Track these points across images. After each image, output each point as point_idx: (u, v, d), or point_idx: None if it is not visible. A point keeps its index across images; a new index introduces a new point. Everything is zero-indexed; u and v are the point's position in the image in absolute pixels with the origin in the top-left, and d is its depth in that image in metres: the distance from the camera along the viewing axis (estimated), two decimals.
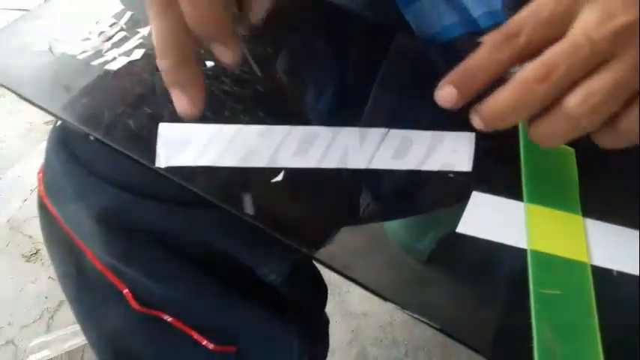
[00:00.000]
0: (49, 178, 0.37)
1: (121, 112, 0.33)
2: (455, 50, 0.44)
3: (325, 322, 0.48)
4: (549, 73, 0.25)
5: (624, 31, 0.25)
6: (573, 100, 0.25)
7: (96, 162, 0.34)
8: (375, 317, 0.79)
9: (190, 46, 0.29)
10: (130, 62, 0.37)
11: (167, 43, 0.28)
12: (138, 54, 0.37)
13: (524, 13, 0.27)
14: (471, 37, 0.43)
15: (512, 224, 0.32)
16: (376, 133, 0.34)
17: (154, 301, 0.37)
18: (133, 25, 0.39)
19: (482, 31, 0.43)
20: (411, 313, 0.28)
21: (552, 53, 0.26)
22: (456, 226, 0.31)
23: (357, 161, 0.33)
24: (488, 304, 0.29)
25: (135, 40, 0.38)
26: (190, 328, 0.37)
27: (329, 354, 0.75)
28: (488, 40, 0.27)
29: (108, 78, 0.35)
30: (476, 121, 0.28)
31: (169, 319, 0.37)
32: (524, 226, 0.32)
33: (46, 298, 0.81)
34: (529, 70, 0.26)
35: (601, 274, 0.30)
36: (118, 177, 0.33)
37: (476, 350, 0.28)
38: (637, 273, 0.30)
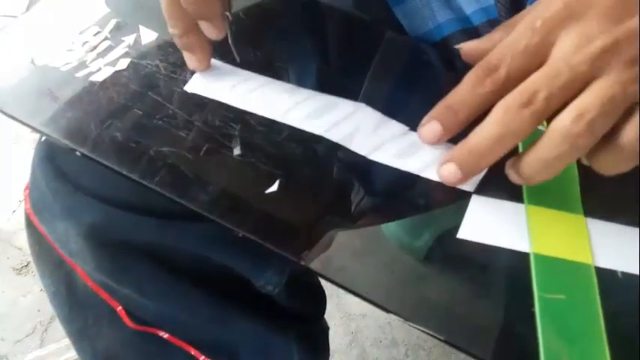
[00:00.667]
0: (35, 195, 0.35)
1: (108, 125, 0.32)
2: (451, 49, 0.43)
3: (325, 329, 0.47)
4: (531, 97, 0.25)
5: (603, 54, 0.25)
6: (568, 119, 0.25)
7: (83, 177, 0.33)
8: (373, 318, 0.78)
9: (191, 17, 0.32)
10: (116, 72, 0.35)
11: (171, 14, 0.32)
12: (123, 63, 0.36)
13: (501, 47, 0.27)
14: (464, 34, 0.42)
15: (513, 227, 0.31)
16: (395, 127, 0.33)
17: (149, 317, 0.36)
18: (117, 34, 0.38)
19: (476, 28, 0.42)
20: (415, 325, 0.27)
21: (532, 80, 0.26)
22: (453, 223, 0.31)
23: (360, 146, 0.32)
24: (490, 311, 0.29)
25: (120, 49, 0.37)
26: (187, 343, 0.37)
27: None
28: (469, 75, 0.27)
29: (93, 90, 0.34)
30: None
31: (165, 335, 0.36)
32: (526, 229, 0.31)
33: (38, 311, 0.80)
34: (510, 97, 0.26)
35: (605, 276, 0.29)
36: (106, 192, 0.32)
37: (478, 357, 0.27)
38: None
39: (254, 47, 0.38)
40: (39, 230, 0.36)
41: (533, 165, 0.27)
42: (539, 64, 0.26)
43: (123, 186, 0.32)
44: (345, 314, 0.79)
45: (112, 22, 0.39)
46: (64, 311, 0.37)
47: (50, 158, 0.34)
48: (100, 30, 0.38)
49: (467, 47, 0.31)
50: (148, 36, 0.38)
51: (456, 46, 0.32)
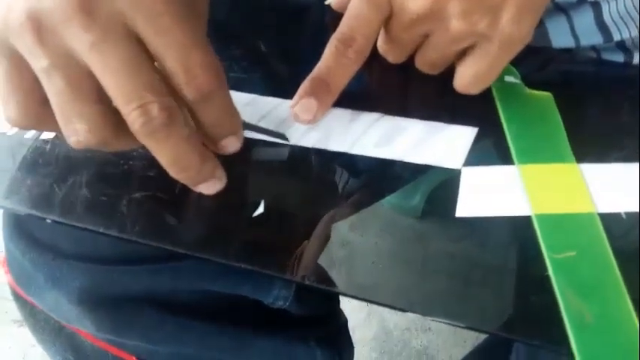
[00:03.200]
0: (15, 268, 0.34)
1: (72, 184, 0.30)
2: None
3: (343, 323, 0.47)
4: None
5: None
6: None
7: (59, 241, 0.31)
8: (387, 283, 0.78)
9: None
10: None
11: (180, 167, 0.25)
12: None
13: (347, 19, 0.28)
14: None
15: (510, 192, 0.30)
16: (368, 117, 0.32)
17: None
18: None
19: None
20: (434, 319, 0.26)
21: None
22: (444, 176, 0.31)
23: (338, 144, 0.31)
24: (504, 287, 0.28)
25: None
26: None
27: (350, 333, 0.75)
28: (330, 49, 0.29)
29: (47, 149, 0.32)
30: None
31: None
32: (523, 190, 0.30)
33: None
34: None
35: (610, 220, 0.29)
36: (87, 252, 0.31)
37: (504, 336, 0.27)
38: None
39: None
40: (29, 302, 0.34)
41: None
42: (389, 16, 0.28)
43: (103, 241, 0.30)
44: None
45: None
46: None
47: (21, 228, 0.32)
48: None
49: (334, 2, 0.33)
50: None
51: (326, 2, 0.34)
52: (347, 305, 0.73)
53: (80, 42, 0.21)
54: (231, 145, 0.28)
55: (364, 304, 0.78)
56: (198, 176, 0.26)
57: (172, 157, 0.24)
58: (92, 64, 0.21)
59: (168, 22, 0.22)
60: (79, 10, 0.20)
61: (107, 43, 0.21)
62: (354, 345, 0.74)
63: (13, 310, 0.83)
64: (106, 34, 0.21)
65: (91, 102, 0.22)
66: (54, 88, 0.22)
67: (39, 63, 0.21)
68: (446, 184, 0.30)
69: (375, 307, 0.77)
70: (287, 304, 0.35)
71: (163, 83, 0.22)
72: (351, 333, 0.75)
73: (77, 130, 0.23)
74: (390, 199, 0.36)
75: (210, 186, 0.27)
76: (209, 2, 0.29)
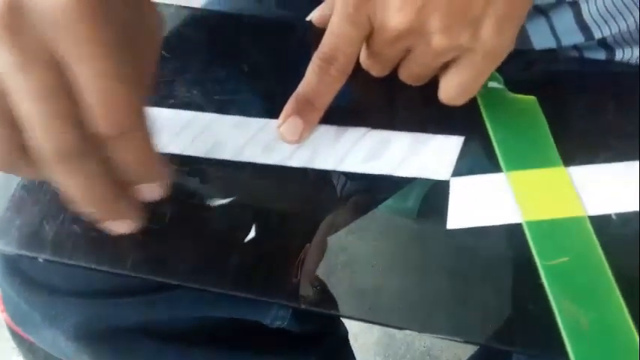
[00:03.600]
0: (10, 307, 0.34)
1: (62, 220, 0.30)
2: None
3: (344, 336, 0.47)
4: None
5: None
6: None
7: (53, 279, 0.31)
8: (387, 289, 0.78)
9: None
10: None
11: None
12: None
13: (327, 38, 0.28)
14: None
15: (500, 201, 0.30)
16: (354, 133, 0.32)
17: None
18: None
19: None
20: (431, 335, 0.27)
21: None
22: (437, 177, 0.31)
23: (326, 162, 0.31)
24: (499, 299, 0.28)
25: None
26: None
27: (353, 339, 0.75)
28: (313, 67, 0.29)
29: (34, 186, 0.32)
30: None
31: None
32: (512, 197, 0.30)
33: None
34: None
35: (601, 223, 0.29)
36: (80, 287, 0.31)
37: (504, 348, 0.27)
38: (635, 208, 0.29)
39: (185, 82, 0.36)
40: (27, 340, 0.34)
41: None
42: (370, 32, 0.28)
43: (97, 275, 0.30)
44: (357, 292, 0.79)
45: None
46: None
47: (14, 267, 0.32)
48: None
49: (315, 18, 0.34)
50: None
51: (307, 19, 0.34)
52: None
53: (1, 62, 0.20)
54: (148, 192, 0.25)
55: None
56: (106, 213, 0.25)
57: (81, 189, 0.22)
58: (9, 87, 0.20)
59: (93, 50, 0.20)
60: (4, 29, 0.19)
61: (27, 66, 0.20)
62: (358, 351, 0.74)
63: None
64: (27, 56, 0.20)
65: (2, 124, 0.21)
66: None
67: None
68: (439, 184, 0.30)
69: (382, 298, 0.77)
70: (285, 323, 0.35)
71: (82, 116, 0.21)
72: (354, 339, 0.75)
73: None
74: (385, 202, 0.36)
75: (121, 225, 0.25)
76: (164, 31, 0.27)
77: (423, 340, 0.74)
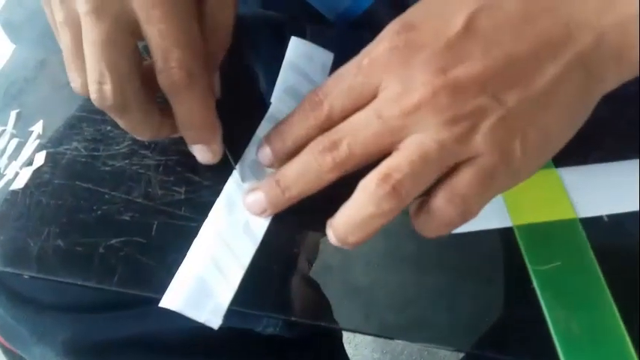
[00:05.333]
0: (0, 324, 0.33)
1: (46, 235, 0.30)
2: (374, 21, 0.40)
3: (338, 337, 0.47)
4: (336, 142, 0.24)
5: (418, 109, 0.23)
6: (374, 179, 0.23)
7: (40, 294, 0.31)
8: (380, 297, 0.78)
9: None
10: (36, 171, 0.32)
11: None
12: (40, 159, 0.33)
13: (329, 80, 0.26)
14: (385, 3, 0.40)
15: (489, 205, 0.30)
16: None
17: None
18: (23, 126, 0.35)
19: None
20: (421, 344, 0.26)
21: (341, 126, 0.25)
22: None
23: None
24: (489, 300, 0.28)
25: (31, 144, 0.34)
26: None
27: (351, 336, 0.75)
28: (301, 104, 0.27)
29: (17, 200, 0.31)
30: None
31: None
32: (502, 201, 0.30)
33: None
34: (317, 139, 0.25)
35: (592, 225, 0.29)
36: (68, 302, 0.30)
37: (497, 357, 0.26)
38: (627, 209, 0.29)
39: None
40: (18, 355, 0.34)
41: (344, 226, 0.24)
42: (365, 103, 0.24)
43: (84, 290, 0.30)
44: (353, 289, 0.79)
45: (13, 115, 0.35)
46: None
47: (1, 283, 0.32)
48: (3, 128, 0.35)
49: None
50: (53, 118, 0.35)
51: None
52: (343, 309, 0.73)
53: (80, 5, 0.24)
54: (200, 154, 0.29)
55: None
56: (198, 136, 0.28)
57: (188, 109, 0.27)
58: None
59: (159, 15, 0.25)
60: None
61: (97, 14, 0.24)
62: (356, 347, 0.74)
63: None
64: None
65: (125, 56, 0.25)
66: (63, 41, 0.26)
67: (56, 16, 0.26)
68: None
69: (374, 308, 0.78)
70: (277, 329, 0.35)
71: None
72: (351, 336, 0.75)
73: (102, 87, 0.25)
74: None
75: (203, 152, 0.29)
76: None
77: None
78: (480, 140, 0.22)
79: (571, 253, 0.28)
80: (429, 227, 0.24)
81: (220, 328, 0.34)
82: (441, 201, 0.23)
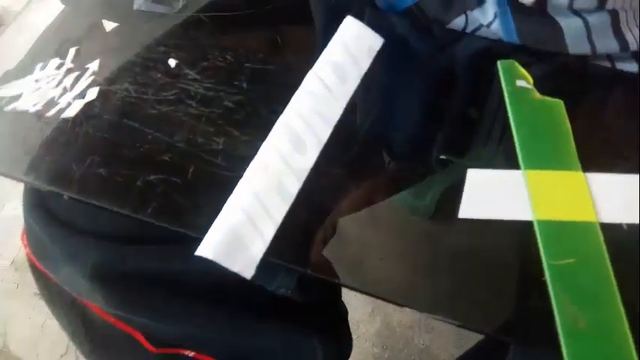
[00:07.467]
0: (33, 242, 0.35)
1: (90, 163, 0.32)
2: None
3: (343, 314, 0.48)
4: None
5: None
6: None
7: (76, 218, 0.33)
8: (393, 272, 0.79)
9: None
10: (87, 104, 0.34)
11: None
12: (92, 93, 0.35)
13: None
14: None
15: (514, 197, 0.30)
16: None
17: (170, 339, 0.36)
18: (80, 62, 0.37)
19: None
20: (430, 315, 0.27)
21: None
22: (456, 178, 0.31)
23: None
24: (503, 289, 0.28)
25: (86, 79, 0.36)
26: (213, 357, 0.37)
27: (354, 327, 0.76)
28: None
29: (67, 127, 0.33)
30: None
31: (191, 353, 0.37)
32: (527, 196, 0.30)
33: None
34: None
35: (611, 231, 0.29)
36: (102, 229, 0.32)
37: (500, 338, 0.27)
38: None
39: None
40: (45, 274, 0.36)
41: None
42: None
43: (118, 220, 0.32)
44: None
45: (72, 51, 0.38)
46: (87, 348, 0.38)
47: (40, 204, 0.34)
48: (61, 61, 0.37)
49: None
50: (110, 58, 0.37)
51: None
52: (352, 300, 0.74)
53: None
54: None
55: (370, 299, 0.79)
56: None
57: None
58: None
59: None
60: None
61: None
62: (357, 339, 0.75)
63: (33, 282, 0.86)
64: None
65: None
66: None
67: None
68: (458, 186, 0.30)
69: (380, 303, 0.78)
70: (289, 292, 0.36)
71: None
72: (355, 327, 0.76)
73: None
74: (402, 197, 0.37)
75: None
76: None
77: (422, 338, 0.74)
78: None
79: (587, 253, 0.28)
80: None
81: (236, 280, 0.36)
82: None
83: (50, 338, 0.81)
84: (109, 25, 0.40)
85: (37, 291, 0.86)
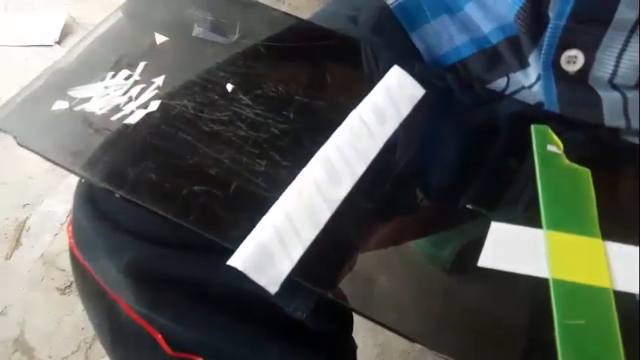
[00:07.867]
0: (78, 233, 0.38)
1: (143, 167, 0.35)
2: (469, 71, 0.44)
3: (352, 348, 0.49)
4: None
5: None
6: None
7: (121, 216, 0.35)
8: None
9: None
10: (148, 114, 0.38)
11: None
12: (154, 105, 0.38)
13: None
14: (483, 54, 0.43)
15: (533, 254, 0.32)
16: None
17: (186, 344, 0.38)
18: (147, 76, 0.41)
19: (494, 47, 0.42)
20: (439, 355, 0.28)
21: None
22: (477, 234, 0.32)
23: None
24: (513, 338, 0.29)
25: (150, 92, 0.39)
26: None
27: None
28: None
29: (127, 132, 0.37)
30: None
31: None
32: (546, 254, 0.32)
33: (82, 329, 0.83)
34: None
35: (624, 299, 0.30)
36: (143, 230, 0.35)
37: None
38: None
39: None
40: (83, 266, 0.38)
41: None
42: None
43: (159, 224, 0.34)
44: (372, 327, 0.79)
45: (141, 65, 0.41)
46: (108, 340, 0.40)
47: (91, 198, 0.37)
48: (130, 73, 0.41)
49: None
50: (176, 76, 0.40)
51: None
52: (360, 342, 0.74)
53: None
54: None
55: (378, 342, 0.79)
56: None
57: None
58: None
59: None
60: None
61: None
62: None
63: (59, 278, 0.89)
64: None
65: None
66: None
67: None
68: (477, 241, 0.32)
69: (386, 348, 0.78)
70: (304, 315, 0.38)
71: None
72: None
73: None
74: (422, 245, 0.38)
75: None
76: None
77: None
78: None
79: (597, 317, 0.29)
80: None
81: (256, 299, 0.37)
82: None
83: (64, 334, 0.84)
84: (176, 46, 0.43)
85: (61, 287, 0.89)
